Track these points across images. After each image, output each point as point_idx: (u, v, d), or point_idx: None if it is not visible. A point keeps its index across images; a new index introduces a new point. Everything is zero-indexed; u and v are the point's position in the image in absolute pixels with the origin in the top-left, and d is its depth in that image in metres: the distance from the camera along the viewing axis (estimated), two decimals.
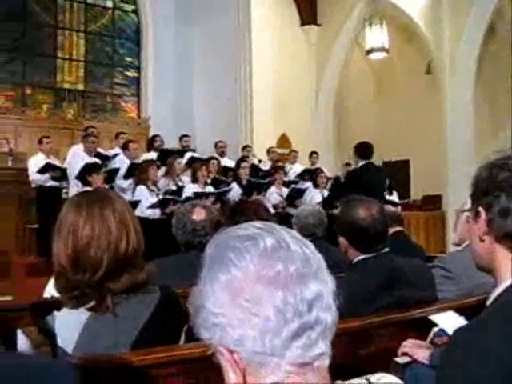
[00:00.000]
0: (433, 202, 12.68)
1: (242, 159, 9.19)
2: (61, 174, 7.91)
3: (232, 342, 0.83)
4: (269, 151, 10.92)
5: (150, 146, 9.37)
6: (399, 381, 1.17)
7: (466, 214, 2.80)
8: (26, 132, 11.53)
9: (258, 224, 0.90)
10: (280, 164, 10.25)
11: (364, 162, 6.63)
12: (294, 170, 10.52)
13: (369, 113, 15.01)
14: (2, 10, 11.93)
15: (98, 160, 7.69)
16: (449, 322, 2.07)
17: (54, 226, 1.68)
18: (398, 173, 12.62)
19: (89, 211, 1.64)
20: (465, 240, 2.92)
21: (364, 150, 6.67)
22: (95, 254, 1.60)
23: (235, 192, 8.30)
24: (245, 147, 10.53)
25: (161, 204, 7.45)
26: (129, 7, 13.97)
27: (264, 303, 0.82)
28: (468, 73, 11.99)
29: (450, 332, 1.79)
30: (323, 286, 0.85)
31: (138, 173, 7.72)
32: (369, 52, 13.25)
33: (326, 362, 0.86)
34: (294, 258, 0.85)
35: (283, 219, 6.53)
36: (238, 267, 0.84)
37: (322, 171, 9.88)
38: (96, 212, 1.64)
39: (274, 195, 8.85)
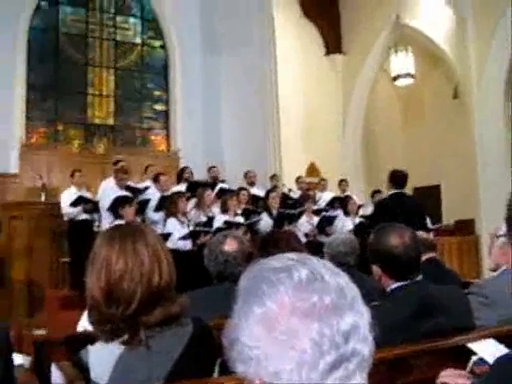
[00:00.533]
0: (465, 227, 12.47)
1: (272, 189, 9.21)
2: (93, 207, 8.01)
3: (268, 375, 0.82)
4: (298, 180, 10.93)
5: (179, 178, 9.46)
6: None
7: (502, 239, 2.75)
8: (57, 167, 11.74)
9: (291, 255, 0.90)
10: (310, 192, 10.24)
11: (393, 191, 6.54)
12: (324, 198, 10.49)
13: (397, 138, 14.97)
14: (35, 51, 12.33)
15: (128, 193, 7.77)
16: (488, 350, 2.01)
17: (86, 259, 1.70)
18: (429, 198, 12.48)
19: (121, 245, 1.66)
20: (500, 265, 2.87)
21: (397, 178, 6.57)
22: (128, 288, 1.61)
23: (266, 223, 8.29)
24: (273, 176, 10.56)
25: (192, 235, 7.47)
26: (156, 43, 14.27)
27: (300, 336, 0.81)
28: (497, 95, 11.86)
29: (490, 361, 1.74)
30: (359, 317, 0.84)
31: (167, 205, 7.78)
32: (395, 78, 13.26)
33: None
34: (329, 290, 0.84)
35: (315, 248, 6.50)
36: (273, 300, 0.83)
37: (351, 198, 9.84)
38: (129, 246, 1.66)
39: (305, 224, 8.82)
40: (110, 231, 1.78)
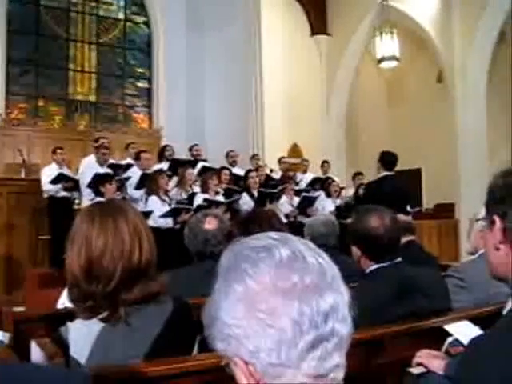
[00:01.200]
0: (445, 211, 12.61)
1: (251, 170, 9.19)
2: (73, 185, 7.94)
3: (247, 353, 0.82)
4: (280, 161, 10.93)
5: (160, 156, 9.40)
6: None
7: (481, 222, 2.78)
8: (38, 143, 11.62)
9: (273, 235, 0.90)
10: (290, 173, 10.23)
11: (383, 174, 6.56)
12: (306, 179, 10.50)
13: (380, 121, 15.00)
14: (15, 24, 12.10)
15: (110, 170, 7.71)
16: (464, 331, 2.05)
17: (66, 237, 1.69)
18: (410, 181, 12.56)
19: (102, 222, 1.65)
20: (479, 249, 2.90)
21: (388, 160, 6.59)
22: (108, 265, 1.61)
23: (247, 202, 8.28)
24: (253, 156, 10.54)
25: (173, 213, 7.45)
26: (140, 19, 14.08)
27: (280, 315, 0.81)
28: (480, 81, 11.91)
29: (465, 342, 1.77)
30: (339, 297, 0.85)
31: (148, 183, 7.73)
32: (380, 61, 13.22)
33: (341, 373, 0.85)
34: (310, 269, 0.84)
35: (295, 228, 6.52)
36: (254, 278, 0.83)
37: (333, 180, 9.85)
38: (109, 223, 1.65)
39: (285, 205, 8.83)
40: (90, 208, 1.76)
